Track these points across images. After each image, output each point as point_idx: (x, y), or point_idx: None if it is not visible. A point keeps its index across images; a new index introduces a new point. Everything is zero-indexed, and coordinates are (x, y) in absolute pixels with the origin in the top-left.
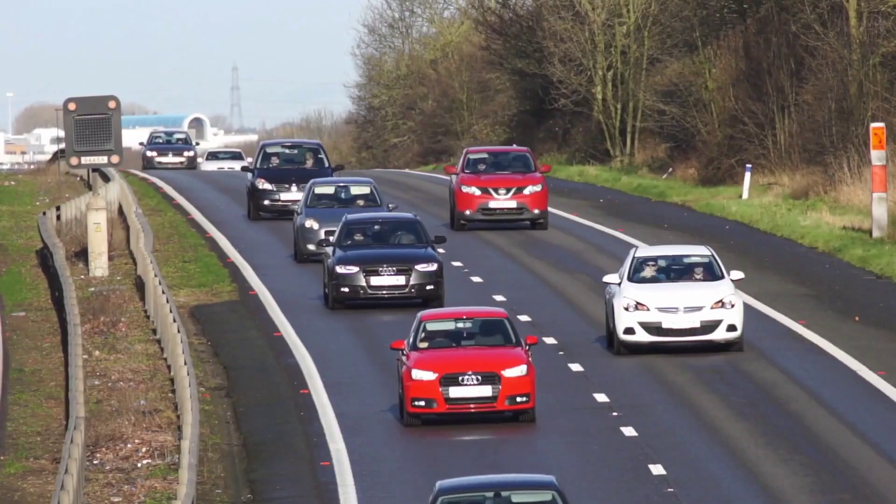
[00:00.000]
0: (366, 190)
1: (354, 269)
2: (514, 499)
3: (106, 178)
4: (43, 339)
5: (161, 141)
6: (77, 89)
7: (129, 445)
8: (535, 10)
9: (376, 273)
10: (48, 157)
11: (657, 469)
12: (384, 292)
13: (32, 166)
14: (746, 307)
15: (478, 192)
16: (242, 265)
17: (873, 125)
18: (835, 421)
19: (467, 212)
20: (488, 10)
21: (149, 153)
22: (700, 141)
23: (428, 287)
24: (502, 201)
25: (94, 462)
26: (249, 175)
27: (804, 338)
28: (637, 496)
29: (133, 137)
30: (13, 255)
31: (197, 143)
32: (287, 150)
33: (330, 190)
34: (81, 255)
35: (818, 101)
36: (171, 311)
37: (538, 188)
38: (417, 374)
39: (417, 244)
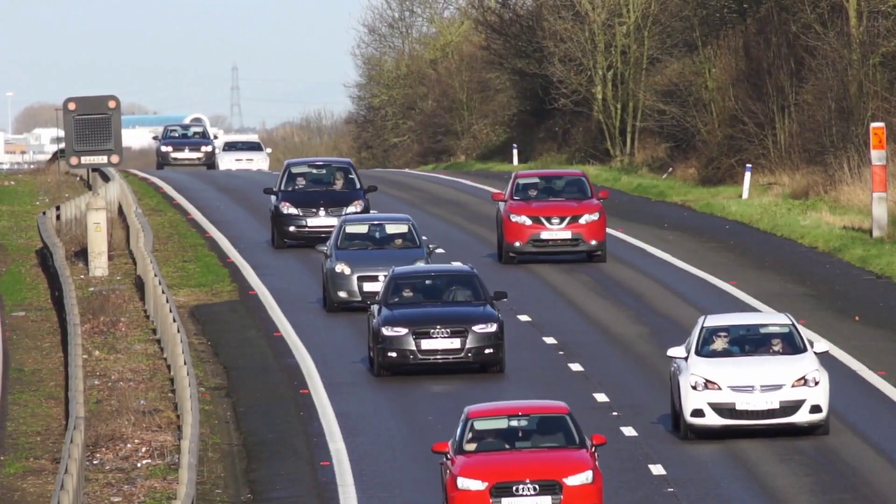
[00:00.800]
0: (403, 228)
1: (403, 330)
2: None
3: (106, 178)
4: (43, 339)
5: (177, 135)
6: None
7: (128, 445)
8: (535, 10)
9: (427, 335)
10: (48, 156)
11: (657, 469)
12: (437, 357)
13: (32, 166)
14: (746, 306)
15: (528, 222)
16: (242, 265)
17: (873, 125)
18: (835, 421)
19: (517, 243)
20: (488, 10)
21: (163, 148)
22: (700, 141)
23: (486, 350)
24: (555, 231)
25: (94, 462)
26: (273, 198)
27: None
28: (637, 496)
29: (133, 137)
30: (13, 254)
31: (215, 137)
32: (314, 171)
33: (363, 229)
34: (81, 254)
35: (818, 100)
36: (170, 311)
37: (595, 217)
38: (464, 482)
39: (475, 301)
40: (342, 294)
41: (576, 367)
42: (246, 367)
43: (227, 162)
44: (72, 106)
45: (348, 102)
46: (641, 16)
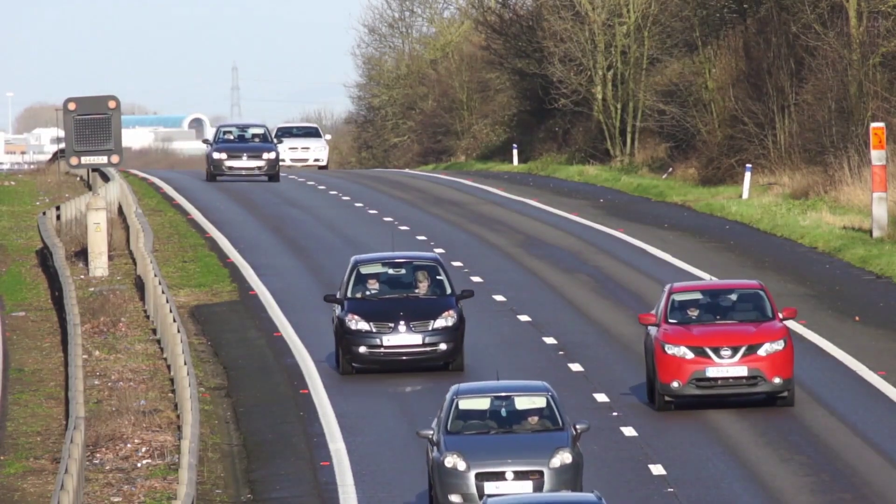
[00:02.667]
0: (541, 403)
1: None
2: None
3: (106, 178)
4: (43, 339)
5: (232, 138)
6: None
7: (129, 445)
8: (535, 10)
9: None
10: (48, 156)
11: (657, 469)
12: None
13: (32, 166)
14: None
15: (690, 355)
16: (242, 265)
17: (873, 125)
18: (835, 421)
19: (674, 384)
20: (488, 10)
21: (216, 155)
22: (700, 141)
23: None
24: (726, 366)
25: (94, 462)
26: (338, 308)
27: (804, 338)
28: (637, 496)
29: (133, 137)
30: (13, 255)
31: (279, 142)
32: (390, 271)
33: (483, 404)
34: (81, 255)
35: (818, 101)
36: (171, 311)
37: (779, 345)
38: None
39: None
40: (454, 499)
41: (576, 367)
42: (246, 367)
43: (280, 152)
44: (72, 106)
45: (348, 102)
46: (641, 16)
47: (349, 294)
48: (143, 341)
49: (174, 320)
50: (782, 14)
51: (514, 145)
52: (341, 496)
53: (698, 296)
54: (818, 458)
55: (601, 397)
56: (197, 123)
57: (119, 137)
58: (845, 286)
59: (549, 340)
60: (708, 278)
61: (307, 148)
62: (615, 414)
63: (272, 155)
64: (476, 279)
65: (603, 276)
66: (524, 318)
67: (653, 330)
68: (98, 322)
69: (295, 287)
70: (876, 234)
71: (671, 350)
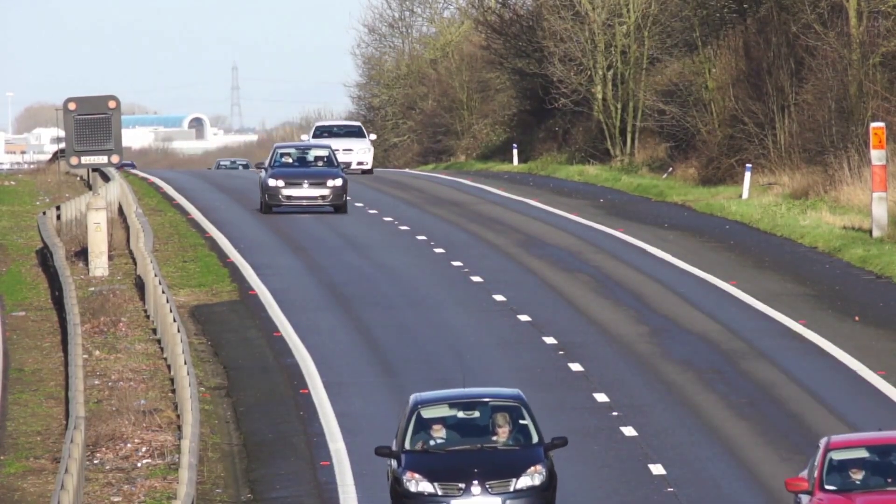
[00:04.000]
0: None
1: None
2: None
3: (106, 178)
4: (43, 338)
5: (291, 160)
6: (77, 89)
7: (129, 445)
8: (535, 10)
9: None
10: (48, 156)
11: (657, 469)
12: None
13: (32, 166)
14: (746, 306)
15: None
16: (242, 265)
17: (873, 125)
18: (835, 421)
19: None
20: (488, 10)
21: (271, 182)
22: (700, 141)
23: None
24: None
25: (94, 462)
26: (392, 462)
27: (804, 337)
28: (637, 496)
29: (133, 137)
30: (13, 254)
31: (345, 169)
32: (460, 414)
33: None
34: (81, 254)
35: (818, 100)
36: (171, 311)
37: None
38: None
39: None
40: None
41: (576, 367)
42: (246, 367)
43: None
44: (72, 106)
45: (348, 102)
46: (641, 16)
47: (409, 445)
48: (143, 341)
49: (174, 320)
50: (782, 14)
51: (514, 145)
52: (341, 496)
53: (864, 453)
54: None
55: (601, 397)
56: (197, 123)
57: (119, 137)
58: (845, 286)
59: (549, 340)
60: (875, 431)
61: (349, 150)
62: (615, 414)
63: (338, 182)
64: (476, 279)
65: (603, 275)
66: (524, 317)
67: (804, 499)
68: (98, 322)
69: (295, 287)
70: (876, 233)
71: None
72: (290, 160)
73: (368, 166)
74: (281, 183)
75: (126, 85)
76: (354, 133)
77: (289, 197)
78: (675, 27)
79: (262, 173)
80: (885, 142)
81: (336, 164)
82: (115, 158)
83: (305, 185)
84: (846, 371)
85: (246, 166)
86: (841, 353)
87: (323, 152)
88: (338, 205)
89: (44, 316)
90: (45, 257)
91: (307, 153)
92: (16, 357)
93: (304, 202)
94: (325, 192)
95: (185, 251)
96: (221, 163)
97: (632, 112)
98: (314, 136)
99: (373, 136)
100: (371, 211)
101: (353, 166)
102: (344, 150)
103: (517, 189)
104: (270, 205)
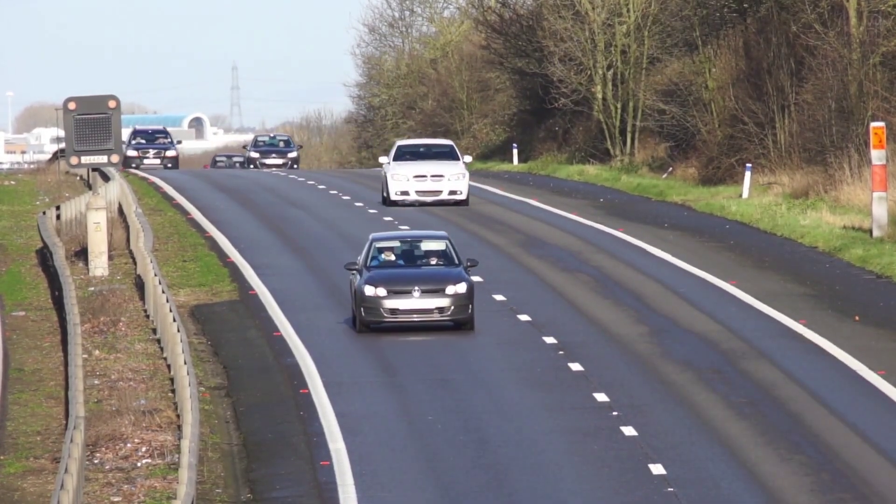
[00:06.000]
0: (441, 247)
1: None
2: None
3: (106, 178)
4: (43, 338)
5: (395, 257)
6: (77, 89)
7: (128, 445)
8: (535, 10)
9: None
10: (48, 156)
11: (657, 469)
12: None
13: (32, 166)
14: (746, 306)
15: None
16: (242, 265)
17: (873, 125)
18: (835, 421)
19: None
20: (488, 10)
21: (369, 290)
22: (700, 140)
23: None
24: None
25: (94, 462)
26: (357, 278)
27: (804, 338)
28: (637, 496)
29: None
30: (13, 254)
31: (434, 200)
32: (407, 246)
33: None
34: (81, 254)
35: (818, 100)
36: (170, 311)
37: None
38: None
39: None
40: None
41: (576, 367)
42: (246, 367)
43: (396, 181)
44: (72, 106)
45: (348, 102)
46: (641, 15)
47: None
48: (143, 341)
49: (174, 320)
50: (782, 14)
51: (514, 145)
52: (341, 496)
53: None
54: (818, 458)
55: (601, 397)
56: (197, 123)
57: (119, 137)
58: (845, 286)
59: (549, 340)
60: None
61: (439, 176)
62: (615, 414)
63: (461, 287)
64: (476, 279)
65: (603, 275)
66: (524, 317)
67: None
68: (98, 322)
69: (295, 287)
70: (876, 233)
71: None
72: (393, 256)
73: (464, 196)
74: (382, 291)
75: (126, 85)
76: (445, 154)
77: (393, 311)
78: (675, 27)
79: (356, 277)
80: (885, 141)
81: (458, 261)
82: (114, 158)
83: (416, 294)
84: (846, 371)
85: (242, 163)
86: (841, 353)
87: (438, 245)
88: (461, 319)
89: (44, 316)
90: (44, 257)
91: (417, 246)
92: (16, 357)
93: (416, 317)
94: (444, 301)
95: (185, 251)
96: (217, 159)
97: (632, 112)
98: (395, 159)
99: (468, 159)
100: (371, 211)
101: (444, 195)
102: (432, 176)
103: (517, 189)
104: (368, 321)
